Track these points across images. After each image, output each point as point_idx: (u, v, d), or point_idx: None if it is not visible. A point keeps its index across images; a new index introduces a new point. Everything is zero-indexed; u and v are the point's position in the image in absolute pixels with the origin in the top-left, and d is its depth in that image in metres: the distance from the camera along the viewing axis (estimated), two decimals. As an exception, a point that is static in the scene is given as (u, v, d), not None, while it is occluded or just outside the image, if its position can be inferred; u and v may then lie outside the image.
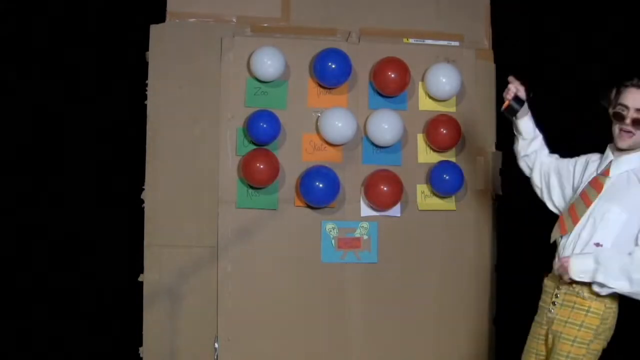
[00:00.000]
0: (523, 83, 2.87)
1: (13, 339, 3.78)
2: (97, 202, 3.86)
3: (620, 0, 3.91)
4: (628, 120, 2.66)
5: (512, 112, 2.88)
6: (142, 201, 3.40)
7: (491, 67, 3.67)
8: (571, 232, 2.74)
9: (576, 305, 2.68)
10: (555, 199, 2.96)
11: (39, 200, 3.82)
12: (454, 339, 3.57)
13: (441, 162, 3.53)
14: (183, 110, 3.41)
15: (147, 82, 3.40)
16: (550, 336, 2.74)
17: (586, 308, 2.66)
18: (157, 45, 3.40)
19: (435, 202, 3.56)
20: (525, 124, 2.92)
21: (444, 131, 3.49)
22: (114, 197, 3.82)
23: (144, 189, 3.40)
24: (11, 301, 3.78)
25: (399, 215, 3.52)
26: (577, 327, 2.66)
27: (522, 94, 2.86)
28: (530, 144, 2.96)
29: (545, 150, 2.99)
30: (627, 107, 2.66)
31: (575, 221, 2.74)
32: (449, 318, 3.56)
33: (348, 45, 3.51)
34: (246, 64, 3.40)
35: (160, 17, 3.42)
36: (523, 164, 3.03)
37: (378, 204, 3.46)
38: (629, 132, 2.67)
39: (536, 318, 2.85)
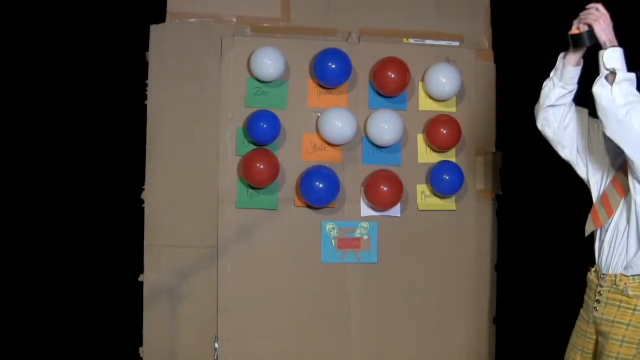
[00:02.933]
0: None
1: (12, 339, 3.77)
2: (97, 202, 3.86)
3: (620, 1, 3.90)
4: None
5: (579, 43, 2.50)
6: (142, 201, 3.40)
7: (491, 67, 3.67)
8: (606, 224, 2.63)
9: (622, 304, 2.58)
10: (590, 165, 2.72)
11: (39, 200, 3.81)
12: (454, 339, 3.57)
13: (441, 162, 3.53)
14: (183, 110, 3.41)
15: (147, 82, 3.41)
16: (599, 337, 2.65)
17: (632, 306, 2.56)
18: (157, 45, 3.39)
19: (435, 202, 3.56)
20: (574, 71, 2.60)
21: (444, 131, 3.48)
22: (113, 197, 3.81)
23: (144, 189, 3.40)
24: (10, 301, 3.78)
25: (399, 215, 3.52)
26: (625, 327, 2.56)
27: (603, 31, 2.47)
28: (566, 96, 2.66)
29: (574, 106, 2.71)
30: None
31: (610, 213, 2.61)
32: (449, 318, 3.57)
33: (348, 45, 3.51)
34: (246, 64, 3.40)
35: (160, 17, 3.42)
36: (545, 114, 2.71)
37: (378, 204, 3.46)
38: None
39: (582, 313, 2.75)
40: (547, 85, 2.69)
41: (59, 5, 3.77)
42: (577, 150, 2.76)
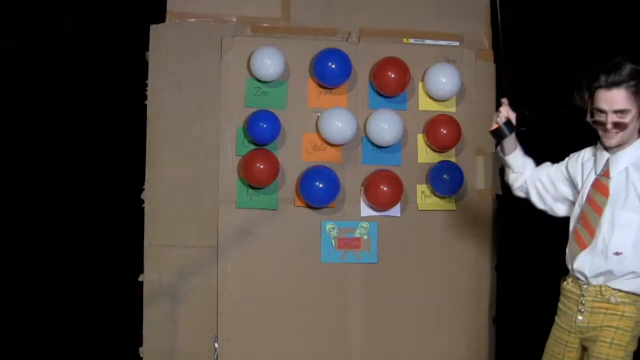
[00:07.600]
0: (517, 111, 2.78)
1: (13, 339, 3.77)
2: (97, 202, 3.86)
3: (621, 1, 3.91)
4: (609, 126, 2.55)
5: (500, 136, 2.80)
6: (142, 201, 3.40)
7: (491, 67, 3.67)
8: (590, 245, 2.63)
9: (609, 311, 2.60)
10: (566, 205, 2.86)
11: (39, 201, 3.81)
12: (454, 339, 3.57)
13: (441, 162, 3.53)
14: (183, 110, 3.41)
15: (147, 82, 3.41)
16: (586, 343, 2.65)
17: (620, 312, 2.59)
18: (157, 45, 3.40)
19: (435, 202, 3.56)
20: (514, 158, 2.86)
21: (444, 131, 3.49)
22: (114, 197, 3.81)
23: (144, 189, 3.40)
24: (11, 301, 3.78)
25: (399, 215, 3.52)
26: (614, 330, 2.58)
27: (513, 118, 2.78)
28: (523, 175, 2.89)
29: (536, 170, 2.90)
30: (603, 112, 2.56)
31: (592, 233, 2.63)
32: (448, 318, 3.57)
33: (348, 45, 3.51)
34: (246, 64, 3.41)
35: (160, 17, 3.42)
36: (520, 193, 2.94)
37: (378, 204, 3.46)
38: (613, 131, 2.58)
39: (559, 322, 2.75)
40: (507, 178, 2.95)
41: (59, 6, 3.77)
42: (556, 200, 2.90)
